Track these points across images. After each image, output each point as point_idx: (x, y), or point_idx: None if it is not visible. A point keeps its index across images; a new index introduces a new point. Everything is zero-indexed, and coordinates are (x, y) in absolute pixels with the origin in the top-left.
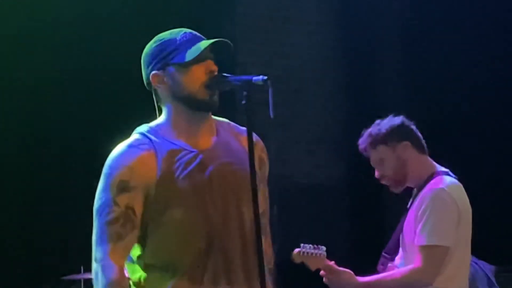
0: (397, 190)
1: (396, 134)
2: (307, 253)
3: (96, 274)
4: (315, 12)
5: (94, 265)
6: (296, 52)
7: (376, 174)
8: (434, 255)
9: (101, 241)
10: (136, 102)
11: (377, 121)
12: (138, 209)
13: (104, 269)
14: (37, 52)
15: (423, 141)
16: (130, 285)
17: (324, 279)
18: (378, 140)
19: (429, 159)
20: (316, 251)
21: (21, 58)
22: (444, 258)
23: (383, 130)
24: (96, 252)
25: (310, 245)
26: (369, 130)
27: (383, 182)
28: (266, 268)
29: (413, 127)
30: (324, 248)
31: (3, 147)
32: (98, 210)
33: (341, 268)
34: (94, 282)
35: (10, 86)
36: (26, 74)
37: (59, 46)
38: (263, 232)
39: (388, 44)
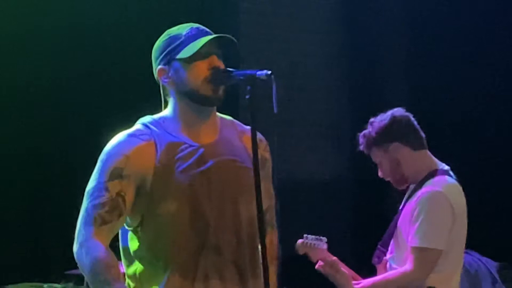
0: (401, 187)
1: (386, 135)
2: (310, 243)
3: (80, 257)
4: (319, 8)
5: (76, 248)
6: (300, 48)
7: (379, 173)
8: (426, 258)
9: (85, 223)
10: (140, 101)
11: (371, 120)
12: (129, 198)
13: (88, 249)
14: (39, 50)
15: (420, 135)
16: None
17: (317, 266)
18: (370, 143)
19: (428, 154)
20: (317, 242)
21: (24, 57)
22: (436, 261)
23: (373, 133)
24: (79, 234)
25: (313, 236)
26: (364, 131)
27: (387, 180)
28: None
29: (404, 122)
30: (325, 239)
31: (9, 143)
32: (88, 193)
33: (342, 268)
34: (79, 265)
35: (13, 86)
36: (29, 74)
37: (61, 46)
38: (269, 225)
39: (392, 42)
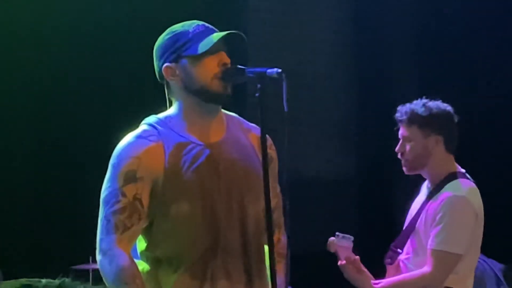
0: (408, 172)
1: (435, 124)
2: (339, 242)
3: (103, 265)
4: (327, 6)
5: (100, 257)
6: (308, 46)
7: (397, 147)
8: (445, 261)
9: (107, 231)
10: (145, 100)
11: (425, 101)
12: (145, 200)
13: (113, 258)
14: (44, 50)
15: (456, 140)
16: None
17: (339, 263)
18: (416, 120)
19: (453, 159)
20: (345, 240)
21: (30, 58)
22: (455, 265)
23: (425, 114)
24: (101, 243)
25: (342, 234)
26: (413, 105)
27: (400, 157)
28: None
29: (455, 122)
30: (351, 238)
31: (14, 143)
32: (104, 200)
33: (362, 268)
34: (102, 274)
35: (19, 85)
36: (34, 74)
37: (66, 45)
38: (275, 225)
39: (401, 39)
